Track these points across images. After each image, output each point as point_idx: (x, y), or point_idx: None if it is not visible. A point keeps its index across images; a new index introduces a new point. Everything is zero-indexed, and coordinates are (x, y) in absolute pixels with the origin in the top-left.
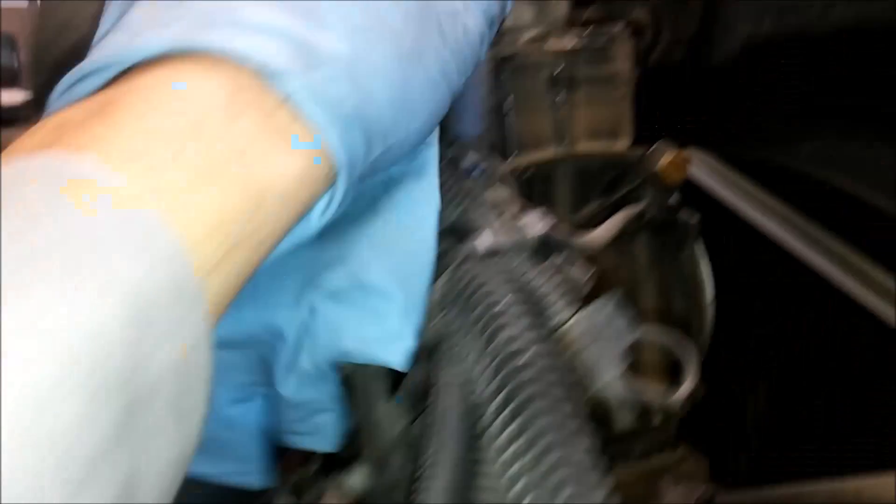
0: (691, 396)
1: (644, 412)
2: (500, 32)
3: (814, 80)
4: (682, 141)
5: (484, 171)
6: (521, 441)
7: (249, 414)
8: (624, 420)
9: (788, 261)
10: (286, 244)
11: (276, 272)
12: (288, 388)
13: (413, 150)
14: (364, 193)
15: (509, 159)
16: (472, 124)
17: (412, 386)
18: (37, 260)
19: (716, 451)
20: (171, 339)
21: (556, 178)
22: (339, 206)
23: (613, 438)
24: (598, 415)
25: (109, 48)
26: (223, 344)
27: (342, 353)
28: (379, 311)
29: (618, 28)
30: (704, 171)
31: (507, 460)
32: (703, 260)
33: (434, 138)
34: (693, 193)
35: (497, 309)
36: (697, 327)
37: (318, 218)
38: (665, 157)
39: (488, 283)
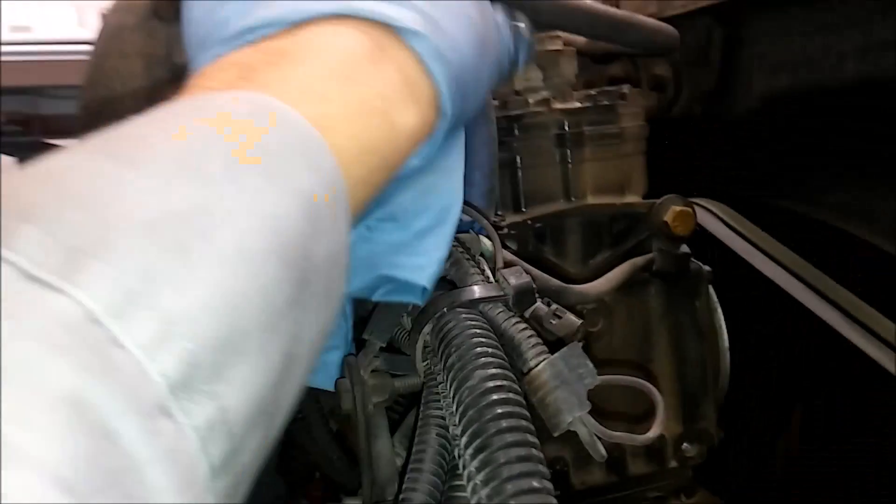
0: (708, 441)
1: (658, 455)
2: (507, 92)
3: (831, 133)
4: (700, 192)
5: (479, 228)
6: (482, 474)
7: None
8: (598, 456)
9: (798, 309)
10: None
11: None
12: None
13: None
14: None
15: (520, 212)
16: (478, 189)
17: (409, 427)
18: (243, 166)
19: (734, 497)
20: (328, 236)
21: (567, 230)
22: (435, 147)
23: (628, 480)
24: (612, 458)
25: (278, 10)
26: None
27: (376, 279)
28: (410, 241)
29: (625, 88)
30: (720, 222)
31: (473, 489)
32: (717, 307)
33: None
34: (708, 243)
35: (469, 355)
36: (714, 373)
37: (416, 158)
38: (672, 210)
39: (465, 331)
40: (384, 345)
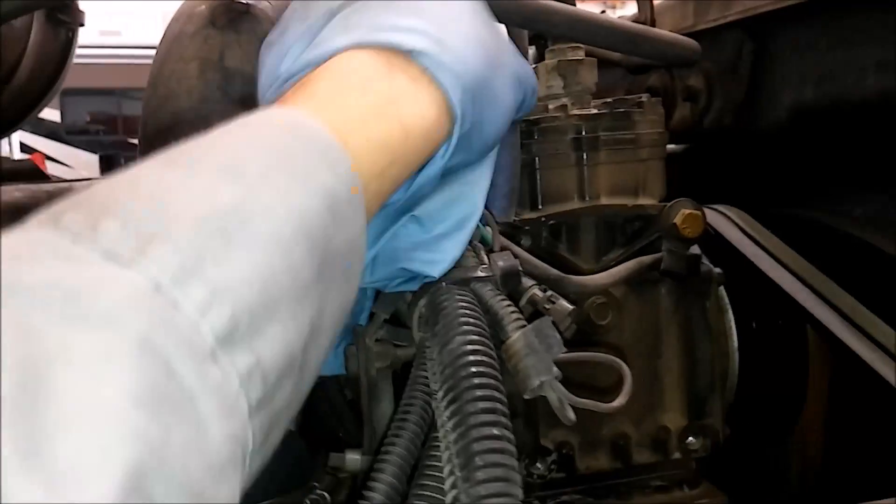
0: (713, 437)
1: (662, 446)
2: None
3: (856, 145)
4: (726, 200)
5: (482, 219)
6: (453, 421)
7: None
8: (566, 420)
9: (806, 316)
10: (422, 180)
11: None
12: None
13: (493, 145)
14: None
15: (536, 210)
16: (500, 191)
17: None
18: (274, 169)
19: (738, 492)
20: (346, 225)
21: (581, 228)
22: (453, 154)
23: (632, 468)
24: (617, 446)
25: (309, 55)
26: None
27: (396, 271)
28: (429, 242)
29: (643, 97)
30: (735, 227)
31: (445, 434)
32: (728, 309)
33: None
34: (724, 248)
35: (453, 323)
36: (723, 372)
37: (440, 158)
38: (682, 213)
39: (452, 304)
40: (388, 317)
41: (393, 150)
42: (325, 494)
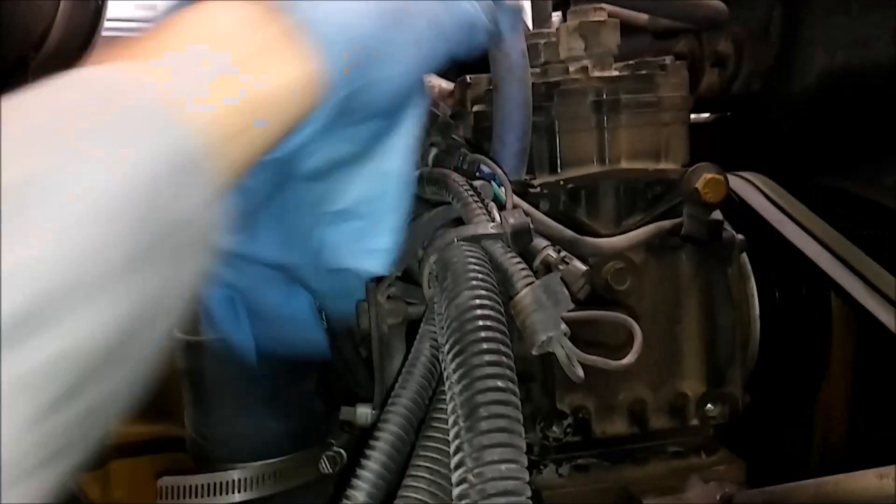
0: (732, 404)
1: (680, 412)
2: (551, 61)
3: (887, 114)
4: (750, 167)
5: (496, 178)
6: (458, 373)
7: (301, 307)
8: (575, 377)
9: (830, 284)
10: (303, 138)
11: (293, 219)
12: (322, 286)
13: (397, 106)
14: (355, 151)
15: (555, 174)
16: (510, 150)
17: None
18: (77, 141)
19: (757, 459)
20: (183, 195)
21: (600, 193)
22: (341, 113)
23: (648, 434)
24: (634, 411)
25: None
26: (266, 264)
27: (341, 268)
28: (361, 234)
29: (667, 59)
30: (760, 194)
31: (450, 386)
32: (750, 276)
33: (421, 103)
34: (749, 215)
35: (462, 278)
36: (743, 340)
37: (321, 116)
38: (704, 177)
39: (461, 259)
40: (399, 274)
41: (255, 109)
42: (342, 451)
